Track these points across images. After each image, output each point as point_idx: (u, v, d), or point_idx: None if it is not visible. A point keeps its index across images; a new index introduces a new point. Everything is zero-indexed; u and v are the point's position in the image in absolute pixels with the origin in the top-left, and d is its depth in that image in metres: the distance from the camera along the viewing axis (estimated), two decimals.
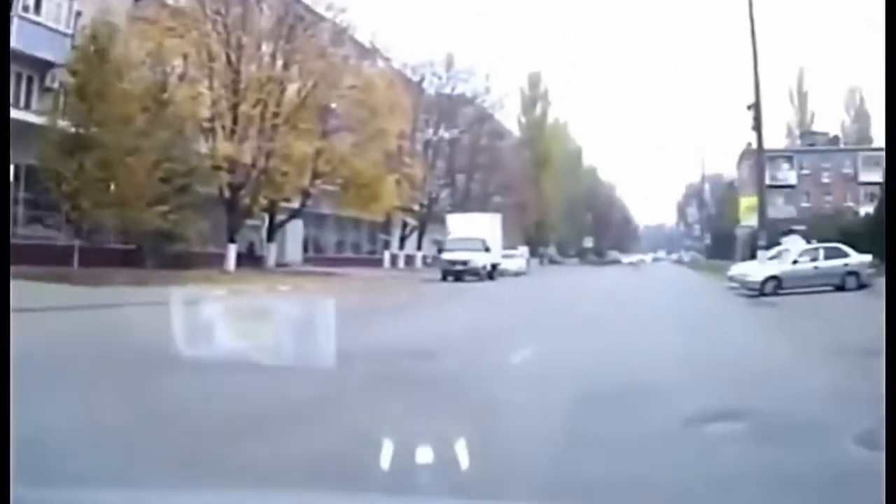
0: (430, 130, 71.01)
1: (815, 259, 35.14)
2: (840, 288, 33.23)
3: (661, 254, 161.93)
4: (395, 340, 13.37)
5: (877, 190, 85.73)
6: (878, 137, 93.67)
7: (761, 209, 42.59)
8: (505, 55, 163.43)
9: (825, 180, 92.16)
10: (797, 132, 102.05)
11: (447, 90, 71.98)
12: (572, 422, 7.77)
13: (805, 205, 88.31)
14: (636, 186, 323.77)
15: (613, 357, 13.20)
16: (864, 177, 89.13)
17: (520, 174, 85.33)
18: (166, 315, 8.57)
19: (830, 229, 50.38)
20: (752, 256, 43.40)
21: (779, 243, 43.74)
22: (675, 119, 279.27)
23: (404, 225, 68.07)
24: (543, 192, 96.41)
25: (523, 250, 79.09)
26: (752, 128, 40.83)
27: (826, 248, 36.13)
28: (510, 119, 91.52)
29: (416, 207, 66.95)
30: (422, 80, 68.94)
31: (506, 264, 60.40)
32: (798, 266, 34.56)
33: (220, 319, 9.18)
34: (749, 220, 51.03)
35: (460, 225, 57.61)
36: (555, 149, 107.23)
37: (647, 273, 74.31)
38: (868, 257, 34.49)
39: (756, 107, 39.93)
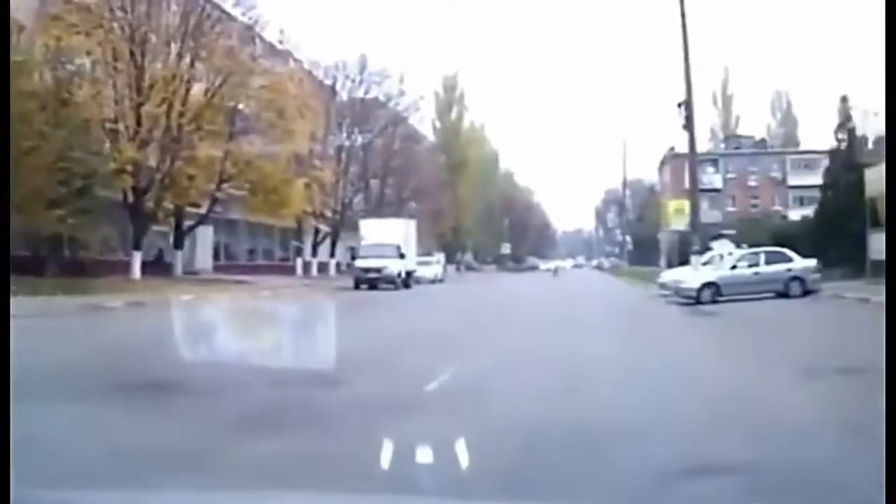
0: (344, 134, 70.00)
1: (755, 264, 33.74)
2: (783, 294, 32.17)
3: (580, 260, 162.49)
4: (290, 361, 11.97)
5: (807, 193, 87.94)
6: (806, 140, 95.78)
7: (694, 212, 41.80)
8: (419, 57, 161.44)
9: (752, 184, 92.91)
10: (721, 135, 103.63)
11: (360, 93, 71.06)
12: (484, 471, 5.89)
13: (731, 209, 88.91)
14: (554, 191, 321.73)
15: (548, 381, 11.92)
16: (793, 180, 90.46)
17: (435, 179, 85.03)
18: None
19: (762, 233, 50.32)
20: (682, 262, 42.97)
21: (709, 248, 43.26)
22: (593, 123, 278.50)
23: (317, 231, 66.76)
24: (459, 198, 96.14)
25: (440, 257, 78.64)
26: (683, 126, 39.19)
27: (767, 253, 34.72)
28: (425, 123, 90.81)
29: (329, 213, 65.79)
30: (334, 82, 68.07)
31: (422, 271, 60.24)
32: (737, 272, 33.20)
33: (91, 335, 8.29)
34: (677, 223, 50.73)
35: (374, 231, 56.69)
36: (471, 153, 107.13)
37: (569, 280, 72.91)
38: (812, 262, 33.82)
39: (687, 104, 38.91)
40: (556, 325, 23.21)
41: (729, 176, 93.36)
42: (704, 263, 37.32)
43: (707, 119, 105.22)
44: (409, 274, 53.62)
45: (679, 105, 39.05)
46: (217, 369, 10.11)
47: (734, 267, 33.60)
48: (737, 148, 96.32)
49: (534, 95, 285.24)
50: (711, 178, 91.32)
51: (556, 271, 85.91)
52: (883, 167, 35.47)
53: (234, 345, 10.59)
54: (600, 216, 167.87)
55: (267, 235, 66.22)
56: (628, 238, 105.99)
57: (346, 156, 69.83)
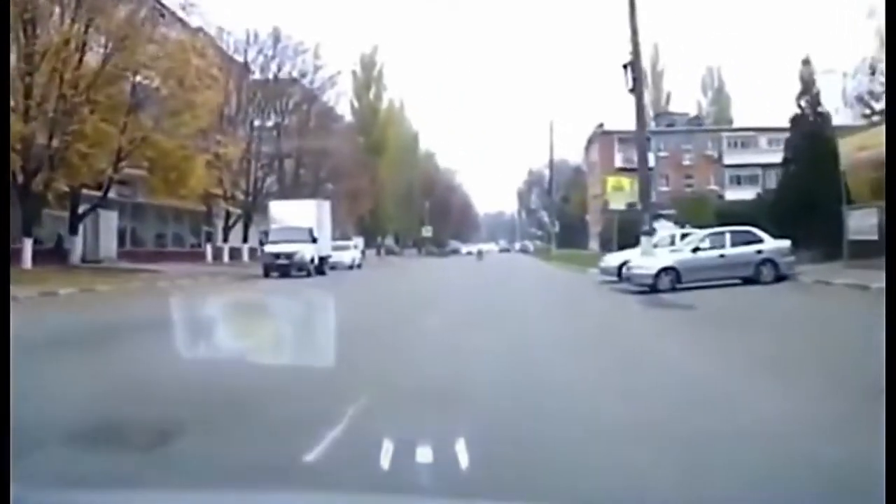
0: (256, 112, 67.38)
1: (720, 245, 29.86)
2: (752, 280, 28.82)
3: (503, 243, 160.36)
4: (171, 374, 8.95)
5: (744, 172, 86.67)
6: (739, 118, 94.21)
7: (644, 188, 37.53)
8: (336, 34, 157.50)
9: (686, 163, 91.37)
10: (652, 113, 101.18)
11: (273, 67, 68.31)
12: None
13: (664, 189, 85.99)
14: (476, 173, 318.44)
15: (486, 392, 9.41)
16: (730, 159, 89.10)
17: (352, 160, 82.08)
18: None
19: (707, 213, 48.40)
20: (623, 245, 40.21)
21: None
22: (515, 103, 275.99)
23: (228, 215, 64.06)
24: (378, 179, 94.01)
25: (358, 241, 76.34)
26: (630, 90, 35.06)
27: (734, 233, 30.59)
28: (343, 102, 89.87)
29: (241, 196, 62.86)
30: (246, 56, 66.02)
31: (338, 257, 57.85)
32: (701, 255, 29.39)
33: None
34: (616, 202, 47.94)
35: (284, 213, 53.21)
36: (390, 133, 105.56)
37: (496, 264, 68.87)
38: (786, 243, 30.33)
39: (634, 65, 35.05)
40: (493, 323, 18.77)
41: (661, 154, 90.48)
42: (655, 245, 33.85)
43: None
44: (323, 260, 50.79)
45: (625, 66, 34.93)
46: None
47: (696, 249, 29.89)
48: (670, 125, 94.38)
49: (453, 74, 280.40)
50: None
51: (480, 255, 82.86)
52: (860, 136, 33.52)
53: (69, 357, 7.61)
54: (523, 198, 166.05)
55: (177, 220, 63.42)
56: (555, 220, 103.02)
57: (258, 134, 67.09)
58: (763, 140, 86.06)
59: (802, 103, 41.71)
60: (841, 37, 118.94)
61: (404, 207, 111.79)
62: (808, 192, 36.63)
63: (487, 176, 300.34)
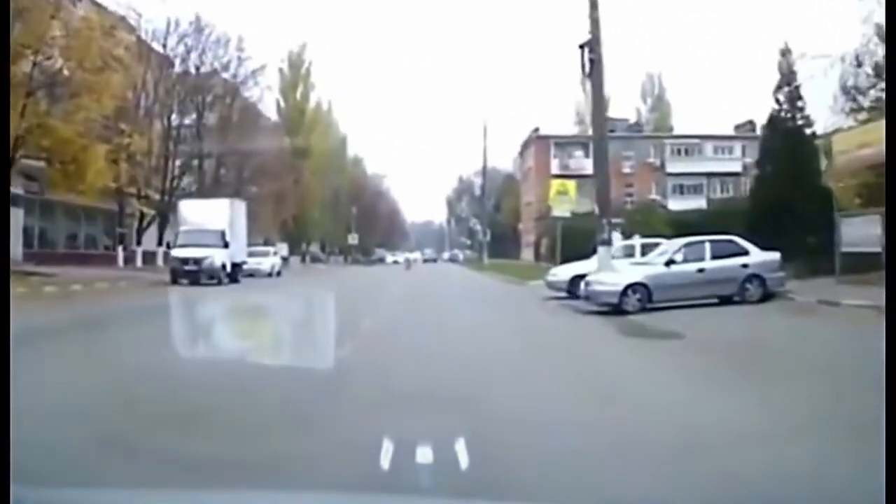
0: (175, 104, 63.85)
1: (698, 258, 25.37)
2: (733, 299, 24.74)
3: (430, 252, 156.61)
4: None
5: (687, 182, 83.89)
6: (681, 127, 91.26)
7: (603, 191, 29.72)
8: (263, 29, 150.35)
9: (626, 170, 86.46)
10: (589, 119, 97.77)
11: (194, 58, 64.86)
12: None
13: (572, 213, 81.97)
14: (405, 181, 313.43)
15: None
16: (673, 167, 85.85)
17: (277, 160, 78.14)
18: None
19: (656, 223, 45.14)
20: (566, 258, 36.38)
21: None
22: (448, 108, 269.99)
23: (142, 216, 59.94)
24: (304, 183, 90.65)
25: (282, 247, 74.57)
26: (587, 74, 29.29)
27: (714, 243, 26.08)
28: (268, 100, 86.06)
29: (156, 195, 58.62)
30: (165, 42, 62.25)
31: (256, 263, 53.83)
32: (675, 269, 24.97)
33: None
34: (560, 208, 43.90)
35: (194, 214, 48.18)
36: (316, 135, 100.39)
37: (426, 275, 64.72)
38: (774, 255, 25.86)
39: (593, 45, 29.05)
40: (429, 357, 14.31)
41: None
42: (615, 258, 29.23)
43: (572, 102, 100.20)
44: (237, 266, 46.65)
45: (581, 47, 29.02)
46: None
47: (671, 262, 25.28)
48: (610, 131, 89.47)
49: (382, 77, 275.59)
50: (581, 162, 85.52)
51: (408, 264, 78.08)
52: (849, 135, 30.09)
53: None
54: (452, 206, 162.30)
55: (90, 220, 59.40)
56: (486, 229, 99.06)
57: (176, 129, 63.68)
58: (709, 148, 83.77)
59: (780, 97, 37.39)
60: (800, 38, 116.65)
61: (331, 213, 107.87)
62: (788, 198, 32.52)
63: (417, 184, 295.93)
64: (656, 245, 29.84)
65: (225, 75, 67.57)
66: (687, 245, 26.24)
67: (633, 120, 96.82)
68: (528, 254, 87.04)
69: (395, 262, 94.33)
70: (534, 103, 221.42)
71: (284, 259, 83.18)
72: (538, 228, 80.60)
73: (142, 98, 58.47)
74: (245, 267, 51.48)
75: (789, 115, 36.71)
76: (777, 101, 37.08)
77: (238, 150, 68.26)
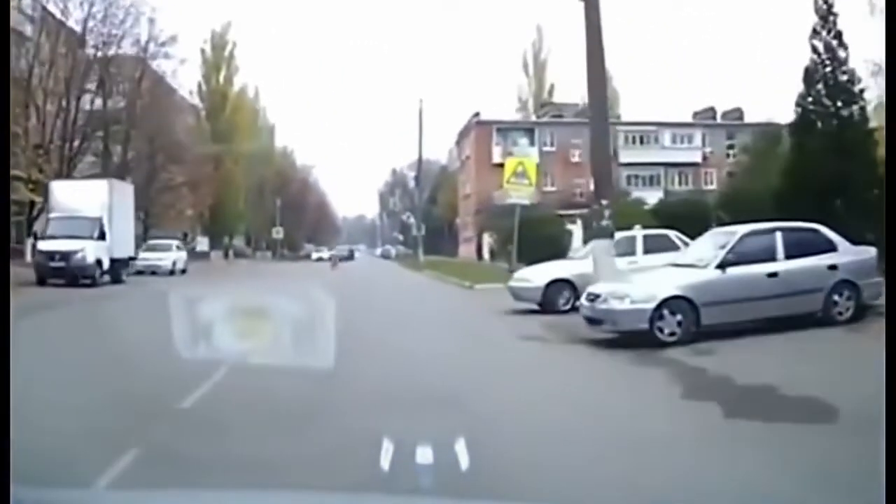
0: (76, 78, 55.21)
1: (766, 256, 16.20)
2: (816, 320, 16.03)
3: (362, 247, 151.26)
4: None
5: (642, 172, 76.04)
6: (631, 114, 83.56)
7: (600, 162, 20.84)
8: (183, 6, 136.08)
9: (575, 160, 77.29)
10: (532, 106, 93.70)
11: (100, 29, 56.98)
12: None
13: (549, 188, 73.90)
14: (335, 174, 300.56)
15: None
16: (626, 156, 77.71)
17: (192, 143, 72.05)
18: None
19: (635, 214, 35.79)
20: (532, 254, 29.89)
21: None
22: (381, 99, 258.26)
23: (31, 205, 51.58)
24: (225, 171, 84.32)
25: (201, 241, 71.96)
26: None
27: (788, 232, 16.88)
28: (184, 77, 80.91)
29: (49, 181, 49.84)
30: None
31: (154, 259, 46.79)
32: (733, 273, 15.79)
33: None
34: (520, 193, 34.44)
35: (67, 197, 38.90)
36: (240, 121, 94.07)
37: (355, 274, 54.68)
38: (870, 251, 17.31)
39: None
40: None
41: (547, 149, 78.81)
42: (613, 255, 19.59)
43: (514, 87, 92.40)
44: (119, 263, 38.04)
45: None
46: None
47: (726, 264, 15.87)
48: (556, 116, 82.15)
49: (315, 64, 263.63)
50: (525, 150, 76.71)
51: (335, 261, 67.98)
52: None
53: None
54: (384, 200, 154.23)
55: None
56: (421, 224, 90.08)
57: (75, 106, 55.35)
58: (666, 136, 76.06)
59: (817, 43, 27.92)
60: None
61: (256, 205, 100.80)
62: (839, 177, 23.78)
63: (349, 178, 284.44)
64: (664, 237, 22.16)
65: (134, 50, 60.10)
66: (749, 235, 16.61)
67: (582, 104, 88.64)
68: (466, 251, 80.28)
69: (321, 259, 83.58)
70: (471, 89, 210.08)
71: (204, 254, 78.83)
72: (478, 222, 72.75)
73: (37, 73, 52.10)
74: (141, 264, 44.87)
75: (830, 70, 27.47)
76: (814, 49, 27.81)
77: (149, 130, 61.71)
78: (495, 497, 5.29)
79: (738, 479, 6.55)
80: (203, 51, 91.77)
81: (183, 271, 48.72)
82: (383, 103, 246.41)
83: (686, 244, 21.21)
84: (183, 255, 51.03)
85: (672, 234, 22.77)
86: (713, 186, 68.92)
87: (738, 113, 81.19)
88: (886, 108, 16.79)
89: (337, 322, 5.29)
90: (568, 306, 20.70)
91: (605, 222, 18.51)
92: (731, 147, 77.15)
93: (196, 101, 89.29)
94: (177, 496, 3.95)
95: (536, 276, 22.67)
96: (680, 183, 76.61)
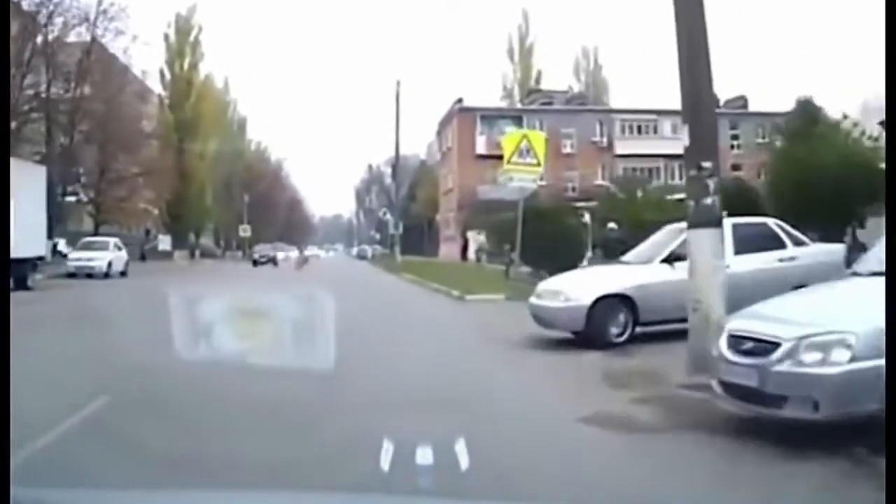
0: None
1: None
2: None
3: (339, 247, 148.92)
4: None
5: (641, 164, 68.50)
6: (623, 103, 76.66)
7: (704, 120, 11.48)
8: None
9: (567, 150, 70.86)
10: (518, 94, 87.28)
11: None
12: None
13: (539, 183, 66.04)
14: (312, 174, 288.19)
15: None
16: (623, 147, 72.15)
17: (151, 134, 67.23)
18: None
19: (649, 207, 32.43)
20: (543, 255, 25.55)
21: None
22: (358, 92, 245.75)
23: None
24: (189, 164, 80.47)
25: (163, 239, 68.36)
26: None
27: (740, 228, 14.89)
28: (148, 69, 69.19)
29: None
30: None
31: (87, 260, 40.26)
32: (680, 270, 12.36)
33: None
34: (523, 173, 26.68)
35: None
36: (205, 111, 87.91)
37: (323, 275, 43.39)
38: (834, 249, 16.61)
39: None
40: None
41: None
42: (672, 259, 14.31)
43: (497, 75, 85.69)
44: (21, 264, 29.65)
45: None
46: None
47: (674, 258, 14.11)
48: (547, 104, 76.08)
49: (290, 55, 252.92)
50: None
51: (302, 261, 59.81)
52: None
53: None
54: (361, 198, 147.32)
55: None
56: (399, 221, 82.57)
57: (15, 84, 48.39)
58: (667, 126, 68.03)
59: None
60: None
61: (224, 202, 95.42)
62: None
63: (325, 177, 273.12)
64: (761, 225, 16.23)
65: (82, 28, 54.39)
66: None
67: (574, 90, 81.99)
68: (448, 250, 73.22)
69: (287, 260, 74.85)
70: (452, 77, 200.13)
71: (167, 253, 72.77)
72: (462, 219, 65.88)
73: None
74: (73, 264, 39.67)
75: None
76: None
77: (98, 117, 55.65)
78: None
79: None
80: (166, 35, 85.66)
81: (122, 273, 41.50)
82: (360, 95, 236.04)
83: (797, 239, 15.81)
84: (122, 254, 43.30)
85: (772, 223, 15.79)
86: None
87: (741, 101, 74.94)
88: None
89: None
90: (624, 337, 13.86)
91: (708, 200, 10.94)
92: (735, 138, 71.13)
93: (159, 89, 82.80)
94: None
95: (575, 289, 14.72)
96: (681, 177, 67.64)
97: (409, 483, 3.78)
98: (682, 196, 23.23)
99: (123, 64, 59.02)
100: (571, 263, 22.89)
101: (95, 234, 53.46)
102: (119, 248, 43.27)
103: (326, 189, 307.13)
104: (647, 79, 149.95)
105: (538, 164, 26.31)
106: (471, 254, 59.35)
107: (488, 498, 5.15)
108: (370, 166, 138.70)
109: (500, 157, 70.87)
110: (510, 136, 28.31)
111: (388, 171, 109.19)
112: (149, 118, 71.22)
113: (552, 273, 18.54)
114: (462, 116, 73.83)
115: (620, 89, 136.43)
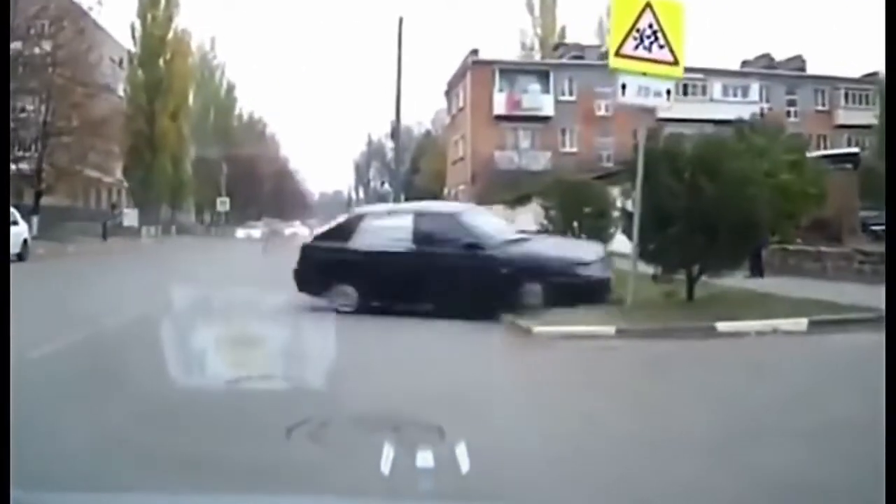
0: None
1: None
2: None
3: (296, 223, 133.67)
4: None
5: (686, 131, 56.65)
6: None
7: None
8: None
9: (601, 113, 59.79)
10: (539, 50, 76.55)
11: None
12: None
13: (568, 150, 59.46)
14: (312, 151, 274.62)
15: None
16: (665, 111, 58.73)
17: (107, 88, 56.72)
18: None
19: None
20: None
21: None
22: (360, 54, 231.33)
23: None
24: (159, 128, 73.75)
25: (129, 213, 64.10)
26: None
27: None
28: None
29: None
30: None
31: None
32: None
33: None
34: (642, 78, 14.64)
35: None
36: (181, 70, 79.69)
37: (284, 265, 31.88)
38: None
39: None
40: None
41: (564, 99, 62.00)
42: None
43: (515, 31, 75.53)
44: None
45: None
46: None
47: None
48: (578, 58, 65.37)
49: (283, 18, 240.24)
50: (538, 99, 61.31)
51: (267, 240, 47.79)
52: None
53: None
54: (360, 173, 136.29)
55: None
56: (398, 192, 71.94)
57: None
58: (717, 87, 58.11)
59: None
60: None
61: (206, 173, 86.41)
62: None
63: (327, 153, 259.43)
64: None
65: None
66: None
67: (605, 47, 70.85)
68: None
69: (249, 238, 63.01)
70: (463, 32, 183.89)
71: (133, 230, 64.67)
72: (477, 193, 56.10)
73: None
74: None
75: None
76: None
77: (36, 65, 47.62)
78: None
79: None
80: None
81: (19, 257, 29.77)
82: (359, 58, 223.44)
83: None
84: (18, 229, 31.42)
85: None
86: None
87: (798, 62, 66.01)
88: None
89: None
90: None
91: None
92: (791, 104, 62.46)
93: (130, 45, 76.38)
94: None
95: None
96: None
97: None
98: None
99: (80, 7, 50.27)
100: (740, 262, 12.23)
101: (35, 208, 46.44)
102: (17, 224, 31.47)
103: (327, 165, 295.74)
104: (696, 33, 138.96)
105: (675, 63, 15.09)
106: None
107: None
108: (370, 139, 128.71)
109: (523, 119, 60.22)
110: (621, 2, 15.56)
111: (390, 143, 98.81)
112: (115, 78, 64.10)
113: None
114: (477, 70, 62.73)
115: None
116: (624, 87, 14.86)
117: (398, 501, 4.28)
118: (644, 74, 14.75)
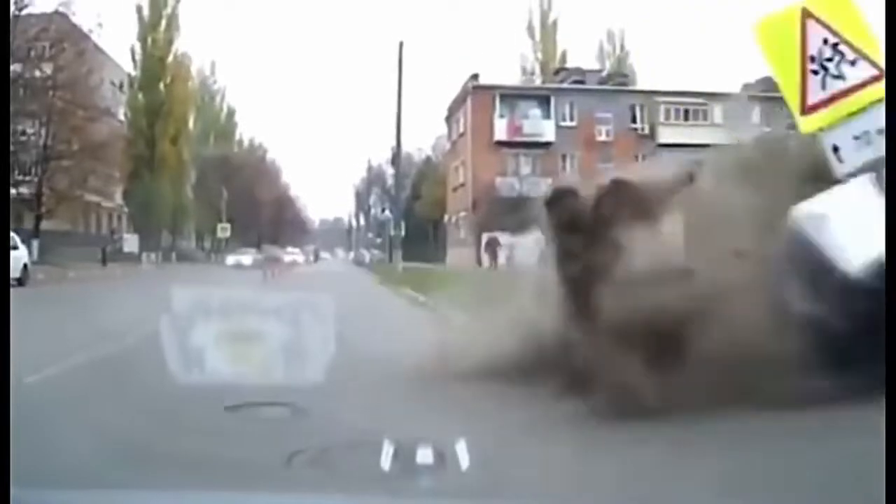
0: None
1: None
2: None
3: (339, 252, 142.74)
4: None
5: (690, 156, 56.57)
6: (668, 84, 66.00)
7: None
8: None
9: (601, 138, 61.02)
10: (539, 75, 76.91)
11: None
12: None
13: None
14: (313, 179, 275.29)
15: None
16: (668, 136, 60.98)
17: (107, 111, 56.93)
18: None
19: None
20: None
21: None
22: (360, 80, 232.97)
23: None
24: (159, 152, 74.48)
25: (130, 239, 64.49)
26: None
27: None
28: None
29: None
30: None
31: None
32: None
33: None
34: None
35: None
36: (181, 94, 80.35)
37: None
38: None
39: None
40: None
41: (565, 124, 62.45)
42: None
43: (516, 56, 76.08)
44: None
45: None
46: None
47: None
48: (579, 82, 66.00)
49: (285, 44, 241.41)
50: (538, 125, 61.93)
51: (266, 267, 46.27)
52: None
53: None
54: (361, 200, 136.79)
55: None
56: (402, 220, 71.32)
57: None
58: (717, 112, 57.39)
59: None
60: None
61: (207, 198, 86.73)
62: None
63: (327, 181, 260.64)
64: None
65: None
66: None
67: (608, 71, 71.74)
68: (458, 257, 61.83)
69: (239, 266, 61.28)
70: (464, 58, 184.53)
71: (133, 256, 64.58)
72: (477, 220, 57.21)
73: None
74: None
75: None
76: None
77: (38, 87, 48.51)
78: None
79: None
80: (139, 7, 77.30)
81: (19, 282, 29.41)
82: (360, 83, 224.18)
83: None
84: (18, 254, 31.01)
85: None
86: None
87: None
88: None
89: None
90: None
91: None
92: (792, 128, 59.68)
93: (131, 68, 77.00)
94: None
95: None
96: None
97: None
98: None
99: (81, 30, 50.63)
100: None
101: (35, 232, 46.94)
102: (18, 249, 31.08)
103: (327, 191, 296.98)
104: (695, 56, 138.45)
105: (880, 75, 7.70)
106: (483, 258, 49.12)
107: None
108: (370, 165, 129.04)
109: (523, 144, 60.26)
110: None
111: (390, 170, 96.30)
112: (116, 101, 64.55)
113: None
114: (478, 96, 63.08)
115: (649, 77, 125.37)
116: (837, 150, 8.42)
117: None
118: (851, 115, 8.32)
